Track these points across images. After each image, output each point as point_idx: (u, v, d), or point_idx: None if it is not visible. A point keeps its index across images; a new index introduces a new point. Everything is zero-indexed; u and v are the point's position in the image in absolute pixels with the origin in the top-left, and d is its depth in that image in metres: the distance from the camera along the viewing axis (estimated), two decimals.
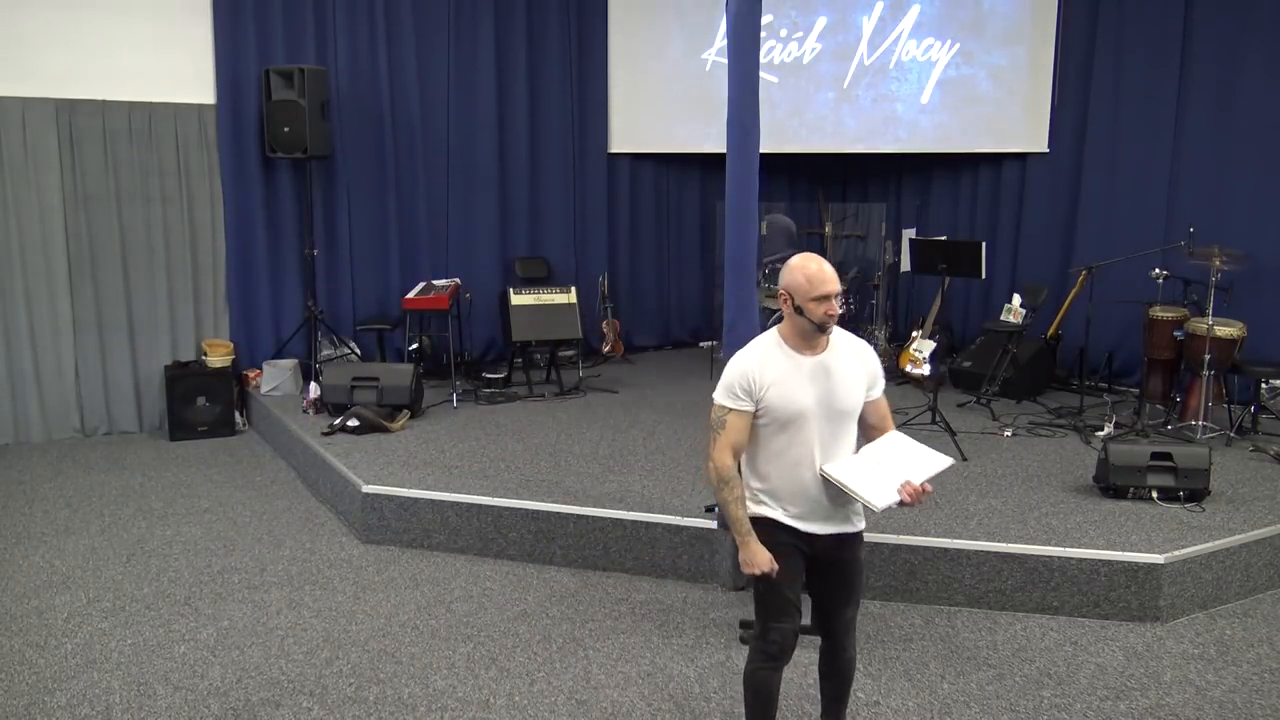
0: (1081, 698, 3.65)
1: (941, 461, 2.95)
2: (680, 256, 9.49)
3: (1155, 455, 4.91)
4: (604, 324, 8.72)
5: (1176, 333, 6.34)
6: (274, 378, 7.30)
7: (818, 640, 4.05)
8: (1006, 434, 6.21)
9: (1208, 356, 5.91)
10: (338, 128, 7.54)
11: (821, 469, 2.88)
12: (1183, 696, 3.66)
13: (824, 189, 9.45)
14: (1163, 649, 4.02)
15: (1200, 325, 6.00)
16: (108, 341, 7.06)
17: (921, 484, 2.85)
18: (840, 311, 2.87)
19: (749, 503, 2.97)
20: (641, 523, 4.70)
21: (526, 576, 4.72)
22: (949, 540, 4.41)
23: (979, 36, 8.04)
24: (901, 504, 2.84)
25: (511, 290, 7.59)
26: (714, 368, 8.25)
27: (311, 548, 5.07)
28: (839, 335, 2.97)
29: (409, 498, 5.07)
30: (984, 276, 6.48)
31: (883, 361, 8.54)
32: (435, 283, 7.62)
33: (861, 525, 3.03)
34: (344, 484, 5.40)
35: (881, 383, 3.00)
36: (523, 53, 8.29)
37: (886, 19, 8.22)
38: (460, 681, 3.75)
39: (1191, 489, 4.87)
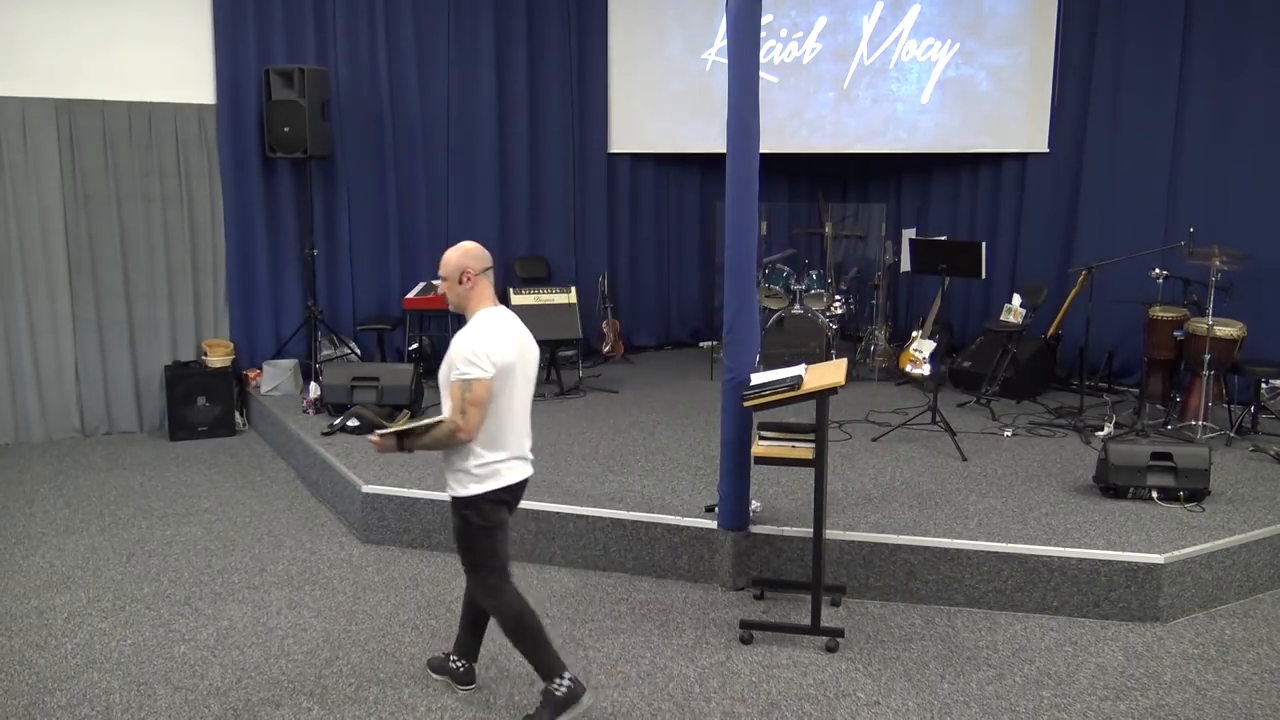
0: (1081, 698, 3.65)
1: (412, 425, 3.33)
2: (680, 256, 9.48)
3: (1155, 455, 4.91)
4: (604, 324, 8.72)
5: (1176, 333, 6.34)
6: (274, 378, 7.30)
7: (817, 640, 4.06)
8: (1006, 434, 6.21)
9: (1208, 356, 5.91)
10: (338, 128, 7.54)
11: None
12: (1183, 696, 3.66)
13: (824, 189, 9.45)
14: (1163, 649, 4.03)
15: (1200, 325, 6.00)
16: (108, 341, 7.06)
17: (380, 434, 3.31)
18: (443, 293, 3.36)
19: None
20: (641, 523, 4.70)
21: (526, 576, 4.72)
22: (949, 540, 4.41)
23: (979, 36, 8.04)
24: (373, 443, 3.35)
25: (511, 290, 7.59)
26: (714, 368, 8.29)
27: (311, 548, 5.07)
28: (473, 321, 3.30)
29: (409, 498, 5.07)
30: (984, 276, 6.49)
31: (882, 362, 8.49)
32: (435, 283, 7.62)
33: (451, 493, 3.35)
34: (344, 484, 5.40)
35: (455, 371, 3.21)
36: (523, 52, 8.29)
37: (886, 19, 8.22)
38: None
39: (1191, 489, 4.87)
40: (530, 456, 3.46)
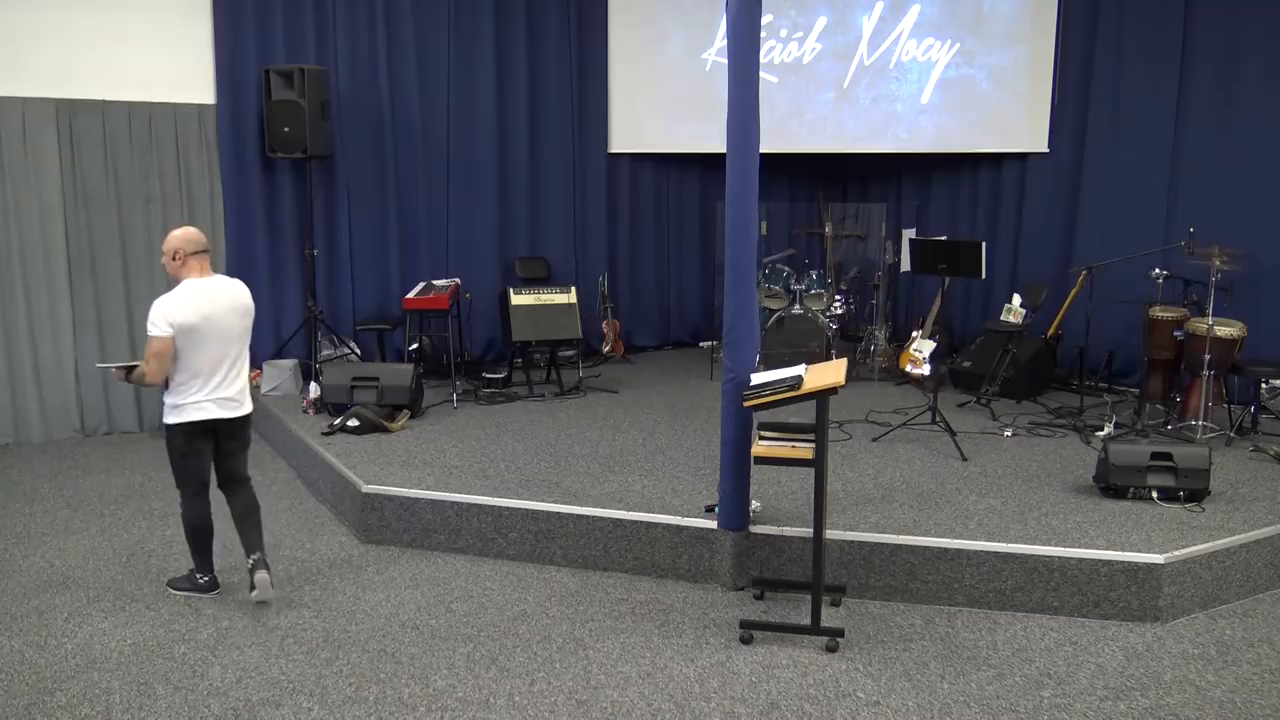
0: (1081, 698, 3.65)
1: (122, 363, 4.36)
2: (680, 256, 9.48)
3: (1155, 455, 4.91)
4: (604, 324, 8.72)
5: (1176, 333, 6.34)
6: (274, 378, 7.30)
7: (817, 640, 4.06)
8: (1006, 434, 6.21)
9: (1208, 356, 5.91)
10: (338, 128, 7.54)
11: None
12: (1183, 696, 3.66)
13: (824, 189, 9.46)
14: (1163, 649, 4.03)
15: (1200, 325, 6.00)
16: (108, 341, 7.06)
17: (116, 367, 4.34)
18: (163, 264, 4.24)
19: None
20: (641, 523, 4.70)
21: (526, 576, 4.72)
22: (949, 540, 4.41)
23: (979, 36, 8.04)
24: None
25: (511, 290, 7.58)
26: (714, 368, 8.29)
27: (311, 548, 5.07)
28: (175, 289, 4.14)
29: (409, 498, 5.07)
30: (984, 276, 6.47)
31: (882, 362, 8.51)
32: (435, 283, 7.62)
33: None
34: (344, 484, 5.40)
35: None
36: (523, 52, 8.29)
37: (886, 19, 8.22)
38: (460, 681, 3.75)
39: (1191, 489, 4.86)
40: (231, 398, 4.29)
